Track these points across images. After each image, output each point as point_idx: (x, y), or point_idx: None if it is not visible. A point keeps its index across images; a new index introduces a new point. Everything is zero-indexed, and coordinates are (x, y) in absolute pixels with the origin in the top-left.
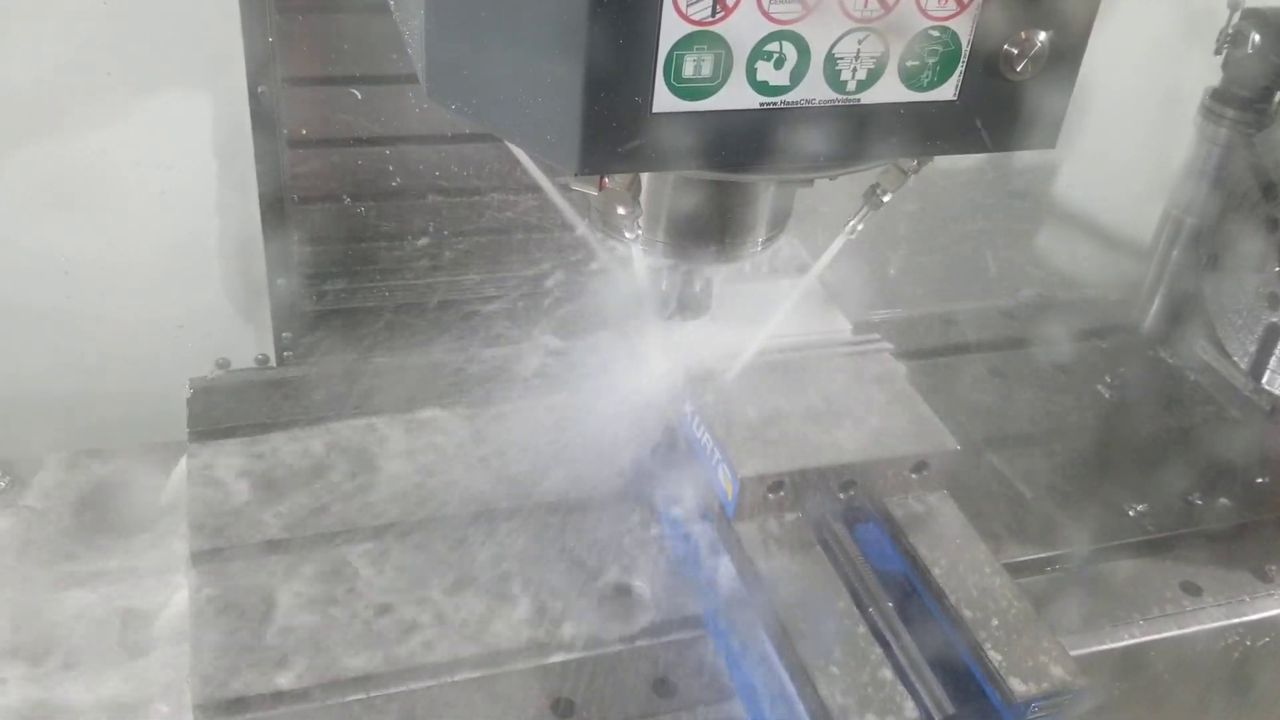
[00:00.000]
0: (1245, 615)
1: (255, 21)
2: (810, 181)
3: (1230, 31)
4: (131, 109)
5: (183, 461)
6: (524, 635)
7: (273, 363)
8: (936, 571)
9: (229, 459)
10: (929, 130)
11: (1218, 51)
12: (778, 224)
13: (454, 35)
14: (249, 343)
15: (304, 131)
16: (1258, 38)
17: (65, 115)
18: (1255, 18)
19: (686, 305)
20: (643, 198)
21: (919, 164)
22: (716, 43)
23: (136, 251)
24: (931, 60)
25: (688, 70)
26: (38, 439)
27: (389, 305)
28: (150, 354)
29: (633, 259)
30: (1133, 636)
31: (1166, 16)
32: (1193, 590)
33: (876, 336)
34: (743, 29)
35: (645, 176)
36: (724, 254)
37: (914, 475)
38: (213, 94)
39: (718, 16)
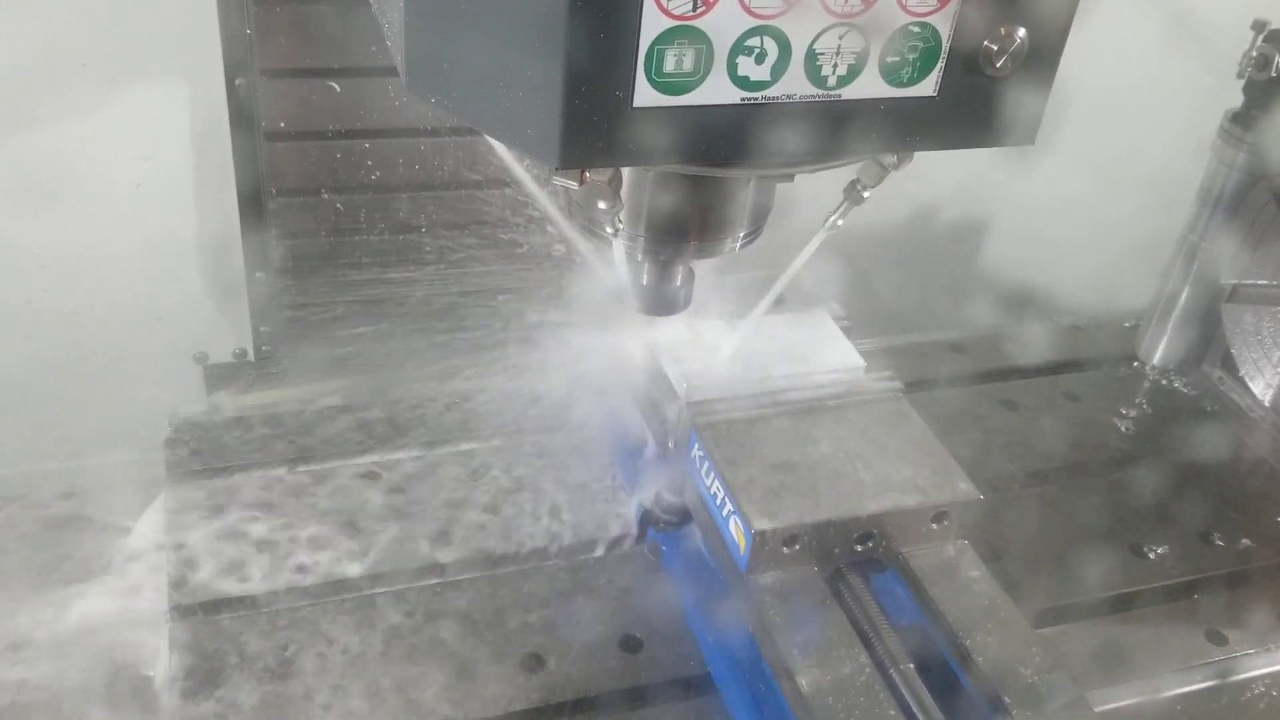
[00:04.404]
0: (1273, 665)
1: (233, 13)
2: (791, 177)
3: (1254, 55)
4: (108, 101)
5: (158, 502)
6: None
7: (251, 357)
8: (957, 626)
9: (209, 501)
10: (909, 126)
11: (1240, 75)
12: (758, 219)
13: (434, 28)
14: (227, 337)
15: (282, 124)
16: None
17: (40, 107)
18: (1278, 41)
19: (666, 300)
20: (624, 192)
21: (899, 159)
22: (697, 37)
23: (113, 245)
24: (912, 56)
25: (669, 65)
26: (10, 437)
27: (369, 298)
28: (128, 348)
29: (613, 253)
30: (1160, 690)
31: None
32: (1218, 639)
33: (889, 374)
34: (724, 24)
35: (626, 171)
36: (704, 249)
37: (934, 525)
38: (190, 86)
39: (699, 11)
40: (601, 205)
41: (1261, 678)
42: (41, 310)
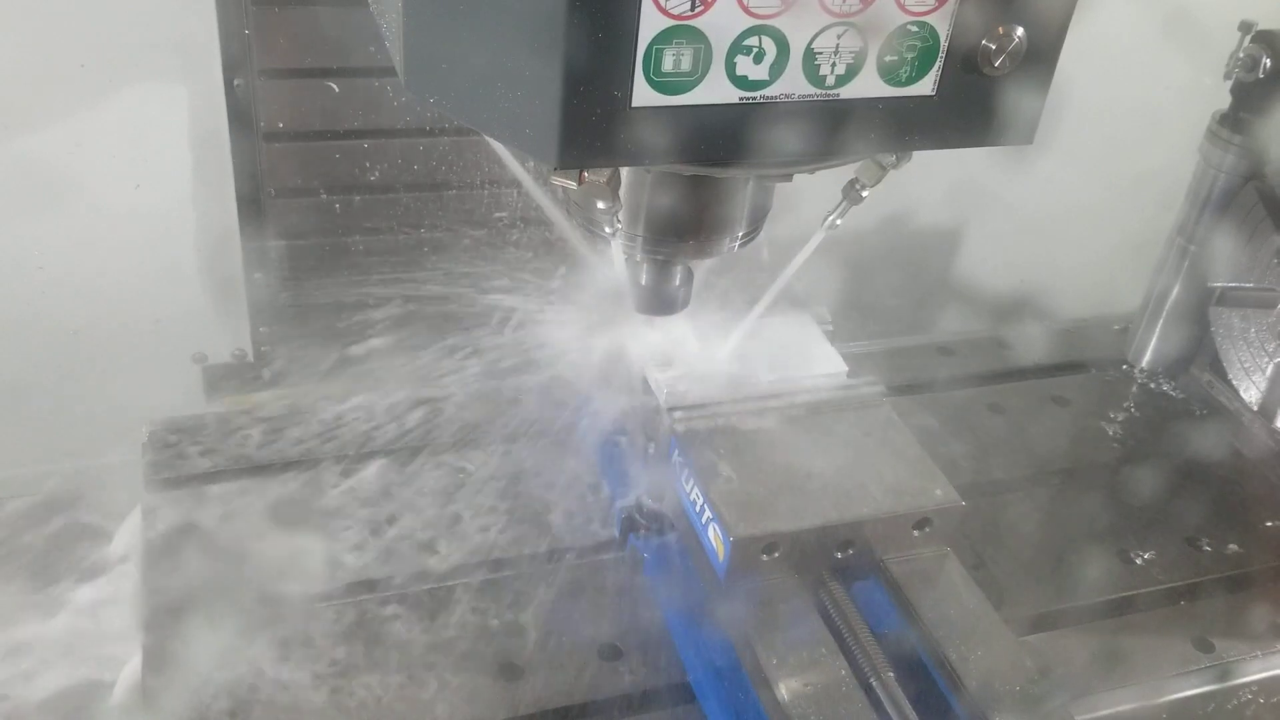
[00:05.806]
0: (1260, 672)
1: (231, 13)
2: (789, 176)
3: (1241, 55)
4: (106, 102)
5: (137, 511)
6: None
7: (250, 358)
8: (939, 635)
9: (187, 509)
10: (907, 125)
11: (1227, 76)
12: (757, 219)
13: (432, 28)
14: (225, 338)
15: (281, 125)
16: (1269, 62)
17: (38, 108)
18: (1266, 41)
19: (663, 300)
20: (622, 192)
21: (898, 159)
22: (696, 37)
23: (112, 246)
24: (910, 55)
25: (667, 64)
26: (8, 438)
27: (367, 301)
28: (126, 349)
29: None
30: (1146, 697)
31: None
32: (1205, 646)
33: (872, 379)
34: (722, 23)
35: (625, 171)
36: (702, 249)
37: (916, 532)
38: (189, 87)
39: (697, 11)
40: (600, 205)
41: (1249, 684)
42: (40, 312)
